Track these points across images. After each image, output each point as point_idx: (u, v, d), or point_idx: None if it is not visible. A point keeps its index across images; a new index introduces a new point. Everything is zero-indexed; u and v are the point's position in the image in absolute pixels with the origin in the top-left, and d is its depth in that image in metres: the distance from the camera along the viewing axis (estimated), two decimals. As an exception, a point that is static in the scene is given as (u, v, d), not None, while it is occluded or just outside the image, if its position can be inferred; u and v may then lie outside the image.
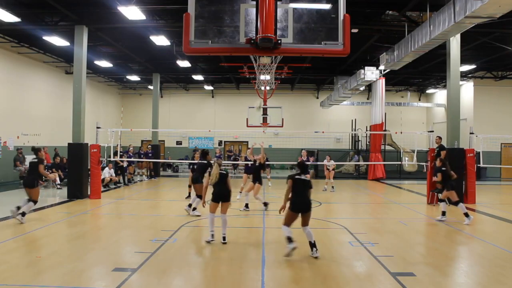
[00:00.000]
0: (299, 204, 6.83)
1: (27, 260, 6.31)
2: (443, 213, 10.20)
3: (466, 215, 9.81)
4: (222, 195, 7.69)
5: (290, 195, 6.87)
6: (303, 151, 14.03)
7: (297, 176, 6.96)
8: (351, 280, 5.77)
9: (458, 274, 6.24)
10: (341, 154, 26.40)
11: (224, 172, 7.81)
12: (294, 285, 5.49)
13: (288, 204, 6.90)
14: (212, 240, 7.62)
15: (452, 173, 10.26)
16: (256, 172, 11.31)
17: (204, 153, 10.52)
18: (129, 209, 11.58)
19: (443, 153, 12.79)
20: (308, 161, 13.74)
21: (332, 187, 15.92)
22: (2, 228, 8.77)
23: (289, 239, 6.76)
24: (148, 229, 8.82)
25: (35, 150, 9.77)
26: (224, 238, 7.63)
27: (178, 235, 8.17)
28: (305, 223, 6.87)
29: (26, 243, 7.44)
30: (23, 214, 9.20)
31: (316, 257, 6.70)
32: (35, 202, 9.46)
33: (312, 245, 6.83)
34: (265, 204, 11.33)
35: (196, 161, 12.83)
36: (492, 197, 15.28)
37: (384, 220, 10.31)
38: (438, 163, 10.66)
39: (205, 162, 10.28)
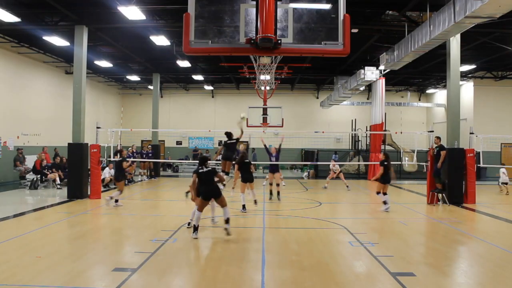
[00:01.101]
0: (206, 192, 7.97)
1: (27, 260, 6.30)
2: (385, 202, 11.30)
3: (385, 202, 11.25)
4: (210, 191, 8.43)
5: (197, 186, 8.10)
6: (272, 147, 13.63)
7: (200, 170, 7.98)
8: (351, 280, 5.77)
9: (458, 274, 6.24)
10: (341, 154, 26.41)
11: (209, 169, 8.58)
12: (294, 285, 5.49)
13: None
14: (188, 227, 8.58)
15: (392, 168, 11.63)
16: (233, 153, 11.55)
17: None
18: (129, 209, 11.57)
19: (442, 153, 12.80)
20: (277, 157, 13.50)
21: (347, 186, 16.48)
22: (2, 228, 8.77)
23: (195, 228, 7.84)
24: (148, 229, 8.82)
25: (119, 151, 12.61)
26: (213, 220, 9.08)
27: (178, 235, 8.16)
28: (221, 205, 8.11)
29: (26, 243, 7.44)
30: (111, 198, 11.69)
31: (226, 230, 7.90)
32: (121, 191, 11.71)
33: (226, 221, 7.98)
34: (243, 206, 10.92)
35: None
36: (492, 197, 15.28)
37: (384, 220, 10.31)
38: (381, 156, 11.64)
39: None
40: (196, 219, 7.92)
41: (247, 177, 11.14)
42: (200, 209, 7.95)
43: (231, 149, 11.38)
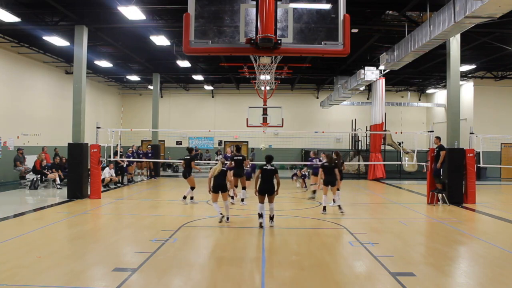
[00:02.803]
0: (264, 188, 9.02)
1: (27, 260, 6.30)
2: (334, 200, 11.60)
3: (334, 200, 11.46)
4: (220, 186, 9.50)
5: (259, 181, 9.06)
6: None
7: (264, 167, 9.07)
8: (351, 280, 5.77)
9: (458, 274, 6.24)
10: (341, 154, 26.39)
11: (225, 169, 9.65)
12: (294, 285, 5.49)
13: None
14: (222, 217, 9.40)
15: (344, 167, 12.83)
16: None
17: (238, 148, 12.94)
18: (129, 209, 11.57)
19: (442, 153, 12.80)
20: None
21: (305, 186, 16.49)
22: (2, 228, 8.77)
23: (259, 215, 8.99)
24: (148, 229, 8.82)
25: (189, 149, 13.03)
26: (228, 219, 9.44)
27: (178, 235, 8.17)
28: (269, 201, 9.08)
29: (26, 243, 7.44)
30: (185, 197, 12.19)
31: (271, 226, 8.95)
32: (192, 188, 12.15)
33: (271, 218, 9.11)
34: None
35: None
36: (492, 197, 15.28)
37: (384, 220, 10.31)
38: (334, 155, 12.01)
39: (241, 157, 12.57)
40: (260, 209, 9.03)
41: (331, 180, 10.94)
42: (261, 201, 9.05)
43: (239, 165, 12.31)
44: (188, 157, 12.50)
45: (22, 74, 18.45)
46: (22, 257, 6.45)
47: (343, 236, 8.42)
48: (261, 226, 8.86)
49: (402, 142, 23.82)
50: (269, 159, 9.27)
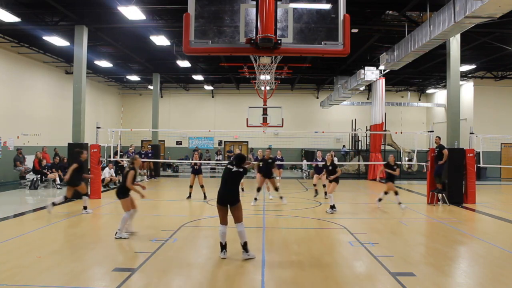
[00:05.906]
0: (221, 194, 6.46)
1: (27, 260, 6.30)
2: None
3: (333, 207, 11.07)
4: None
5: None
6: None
7: (228, 166, 6.62)
8: (351, 280, 5.76)
9: (458, 274, 6.24)
10: (340, 154, 26.42)
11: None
12: (294, 285, 5.49)
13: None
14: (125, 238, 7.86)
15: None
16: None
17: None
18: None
19: (445, 152, 12.77)
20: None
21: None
22: (2, 228, 8.77)
23: (221, 246, 6.60)
24: (148, 229, 8.82)
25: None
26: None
27: (178, 235, 8.17)
28: (235, 219, 6.39)
29: (26, 243, 7.44)
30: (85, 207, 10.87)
31: (246, 259, 6.40)
32: (86, 194, 10.91)
33: (243, 246, 6.42)
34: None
35: (197, 161, 13.70)
36: (492, 197, 15.27)
37: (384, 220, 10.31)
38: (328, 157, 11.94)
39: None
40: (220, 235, 6.50)
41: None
42: (223, 220, 6.46)
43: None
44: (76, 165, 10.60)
45: (22, 74, 18.44)
46: (22, 257, 6.45)
47: (343, 236, 8.41)
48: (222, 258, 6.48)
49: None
50: (238, 159, 6.53)
